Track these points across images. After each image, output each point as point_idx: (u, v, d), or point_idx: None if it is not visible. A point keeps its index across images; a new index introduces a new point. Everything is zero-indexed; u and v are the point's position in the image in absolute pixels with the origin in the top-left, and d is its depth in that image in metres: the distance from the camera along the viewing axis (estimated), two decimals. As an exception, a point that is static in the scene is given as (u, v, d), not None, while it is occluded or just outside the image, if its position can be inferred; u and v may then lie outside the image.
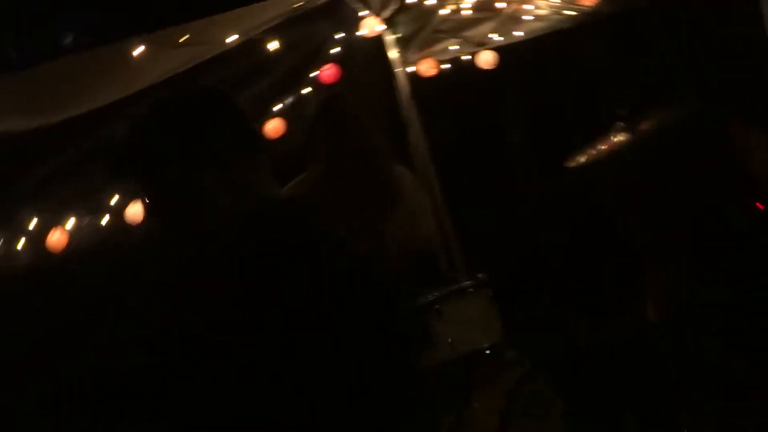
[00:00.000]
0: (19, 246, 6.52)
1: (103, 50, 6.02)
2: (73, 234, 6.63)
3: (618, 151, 5.71)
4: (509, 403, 5.59)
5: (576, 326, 5.07)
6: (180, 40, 6.01)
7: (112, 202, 6.81)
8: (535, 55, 8.35)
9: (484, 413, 5.76)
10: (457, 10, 7.27)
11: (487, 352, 5.76)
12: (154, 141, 3.16)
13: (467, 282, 5.79)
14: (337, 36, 7.34)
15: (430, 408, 5.79)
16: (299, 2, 6.58)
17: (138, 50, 5.81)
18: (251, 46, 6.56)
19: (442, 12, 7.20)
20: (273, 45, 6.64)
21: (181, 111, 3.22)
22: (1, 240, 6.52)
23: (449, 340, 5.60)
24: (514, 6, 7.58)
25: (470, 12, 7.43)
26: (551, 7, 7.85)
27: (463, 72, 8.12)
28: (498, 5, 7.54)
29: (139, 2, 6.84)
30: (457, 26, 7.72)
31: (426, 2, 7.06)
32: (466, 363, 5.80)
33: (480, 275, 5.75)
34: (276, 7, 6.48)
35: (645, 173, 5.64)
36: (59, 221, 6.69)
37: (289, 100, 7.39)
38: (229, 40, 6.37)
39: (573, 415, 5.44)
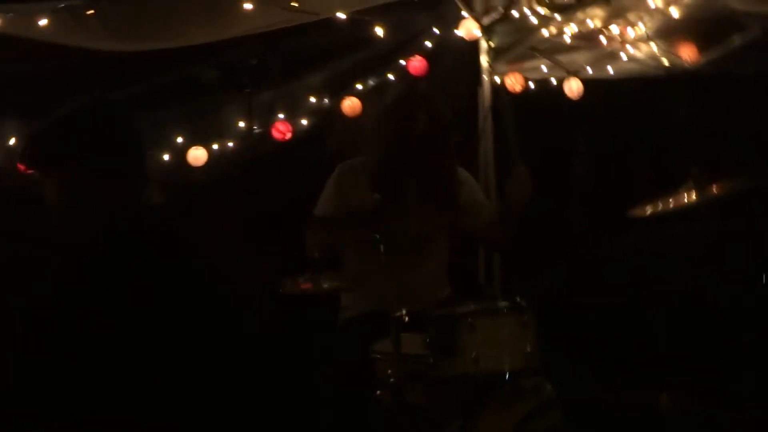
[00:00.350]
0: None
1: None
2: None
3: (685, 209, 5.62)
4: (517, 429, 5.46)
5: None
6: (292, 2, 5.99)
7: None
8: (621, 96, 8.23)
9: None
10: (558, 34, 7.21)
11: (507, 376, 5.64)
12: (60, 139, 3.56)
13: (504, 303, 5.65)
14: (434, 30, 7.32)
15: (436, 415, 5.79)
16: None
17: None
18: (352, 21, 6.53)
19: (543, 32, 7.11)
20: (371, 25, 6.58)
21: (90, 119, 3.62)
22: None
23: (474, 354, 5.46)
24: (614, 44, 7.52)
25: (570, 39, 7.36)
26: (649, 53, 7.75)
27: (547, 95, 8.08)
28: (600, 38, 7.47)
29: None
30: (553, 49, 7.70)
31: (530, 18, 6.96)
32: (485, 381, 5.68)
33: (518, 299, 5.61)
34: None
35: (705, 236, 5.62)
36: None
37: (371, 82, 7.40)
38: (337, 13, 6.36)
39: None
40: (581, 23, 6.76)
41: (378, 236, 5.33)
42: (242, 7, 5.84)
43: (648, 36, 7.27)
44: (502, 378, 5.65)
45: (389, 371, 5.55)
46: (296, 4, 6.02)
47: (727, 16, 6.28)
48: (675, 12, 6.16)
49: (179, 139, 7.00)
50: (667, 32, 7.18)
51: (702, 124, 8.43)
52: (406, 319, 5.39)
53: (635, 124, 8.69)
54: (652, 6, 6.20)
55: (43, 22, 5.80)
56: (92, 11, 5.78)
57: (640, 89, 8.24)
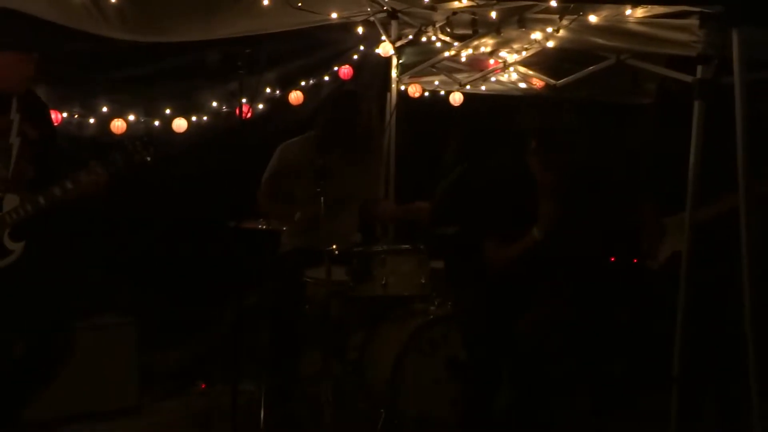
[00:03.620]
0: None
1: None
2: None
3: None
4: (409, 339, 5.66)
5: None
6: (299, 3, 6.14)
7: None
8: (486, 107, 8.49)
9: (388, 340, 5.83)
10: (453, 58, 7.35)
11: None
12: None
13: (406, 246, 5.89)
14: (360, 47, 7.48)
15: (350, 325, 5.98)
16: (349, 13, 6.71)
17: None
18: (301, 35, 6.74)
19: (443, 54, 7.24)
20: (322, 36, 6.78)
21: None
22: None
23: (383, 281, 5.69)
24: (495, 70, 7.78)
25: (462, 61, 7.54)
26: (511, 81, 8.08)
27: (437, 101, 8.30)
28: (486, 64, 7.70)
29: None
30: (448, 69, 7.86)
31: (434, 44, 7.12)
32: (390, 301, 5.91)
33: (418, 244, 5.86)
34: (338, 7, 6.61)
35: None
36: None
37: (312, 81, 7.53)
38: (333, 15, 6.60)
39: (455, 361, 5.62)
40: (475, 48, 6.83)
41: (319, 190, 5.55)
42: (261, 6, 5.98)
43: (520, 63, 7.52)
44: (402, 300, 5.94)
45: (318, 291, 5.79)
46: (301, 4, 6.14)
47: (590, 49, 6.39)
48: (551, 43, 6.20)
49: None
50: (536, 61, 7.46)
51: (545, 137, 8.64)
52: (336, 253, 5.64)
53: (494, 129, 8.88)
54: (533, 38, 6.25)
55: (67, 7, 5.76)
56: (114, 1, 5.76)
57: (502, 103, 8.50)
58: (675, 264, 5.41)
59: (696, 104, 5.23)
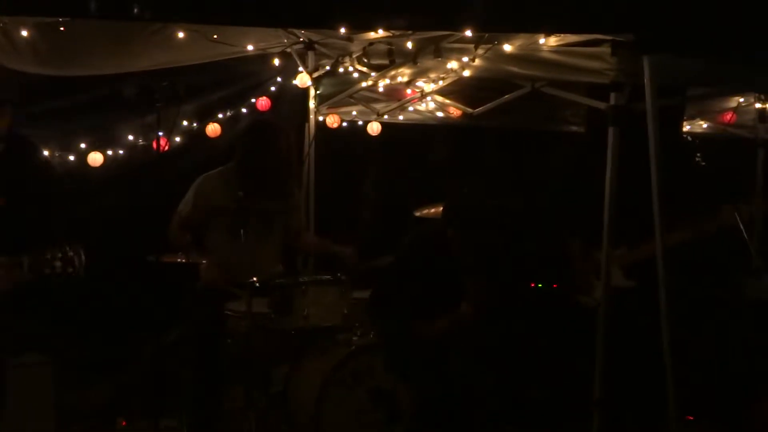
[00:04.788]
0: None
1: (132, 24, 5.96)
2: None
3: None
4: (332, 371, 5.62)
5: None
6: (214, 36, 6.13)
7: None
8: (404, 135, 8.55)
9: (311, 372, 5.79)
10: (371, 88, 7.36)
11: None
12: None
13: (328, 276, 5.86)
14: (278, 78, 7.45)
15: (273, 357, 5.91)
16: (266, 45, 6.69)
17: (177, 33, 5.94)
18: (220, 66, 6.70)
19: (360, 84, 7.24)
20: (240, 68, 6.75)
21: None
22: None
23: (305, 312, 5.65)
24: (412, 100, 7.81)
25: (379, 91, 7.56)
26: (429, 110, 8.12)
27: (355, 131, 8.32)
28: (403, 94, 7.72)
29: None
30: (366, 99, 7.86)
31: (352, 74, 7.12)
32: (312, 333, 5.85)
33: (339, 274, 5.82)
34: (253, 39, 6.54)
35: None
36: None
37: (229, 112, 7.48)
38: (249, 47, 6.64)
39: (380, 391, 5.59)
40: (392, 78, 6.81)
41: (239, 223, 5.51)
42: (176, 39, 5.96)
43: (437, 93, 7.56)
44: (324, 331, 5.89)
45: (239, 324, 5.72)
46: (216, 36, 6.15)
47: (505, 77, 6.38)
48: (467, 72, 6.21)
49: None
50: (453, 90, 7.51)
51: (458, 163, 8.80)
52: (257, 285, 5.58)
53: (411, 157, 8.97)
54: (450, 67, 6.25)
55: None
56: (26, 34, 5.71)
57: (420, 132, 8.57)
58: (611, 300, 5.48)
59: (610, 130, 5.31)
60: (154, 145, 6.05)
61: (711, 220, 5.66)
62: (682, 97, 6.57)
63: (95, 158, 6.98)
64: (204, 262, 6.02)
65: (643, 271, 5.53)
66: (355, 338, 5.91)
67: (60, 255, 4.51)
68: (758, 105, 7.82)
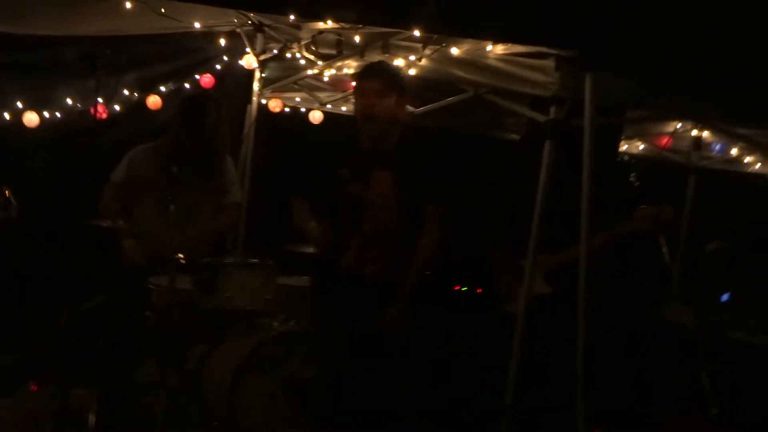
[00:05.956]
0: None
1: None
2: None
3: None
4: (250, 354, 5.60)
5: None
6: (162, 9, 6.06)
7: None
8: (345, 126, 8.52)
9: (228, 354, 5.76)
10: (316, 77, 7.36)
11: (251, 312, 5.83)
12: None
13: (255, 260, 5.84)
14: (224, 57, 7.42)
15: (192, 335, 5.88)
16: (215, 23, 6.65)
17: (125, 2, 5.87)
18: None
19: (306, 72, 7.23)
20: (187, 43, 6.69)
21: None
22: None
23: (228, 294, 5.64)
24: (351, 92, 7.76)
25: (325, 81, 7.56)
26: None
27: (297, 117, 8.31)
28: (348, 86, 7.68)
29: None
30: (310, 87, 7.86)
31: (298, 61, 7.10)
32: (233, 315, 5.84)
33: (266, 259, 5.80)
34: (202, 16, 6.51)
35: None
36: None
37: (171, 86, 7.43)
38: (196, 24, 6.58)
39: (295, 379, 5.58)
40: (339, 69, 6.82)
41: (170, 198, 5.48)
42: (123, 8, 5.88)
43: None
44: (245, 314, 5.87)
45: (161, 299, 5.69)
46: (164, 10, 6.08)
47: (450, 80, 6.40)
48: (413, 71, 6.22)
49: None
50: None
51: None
52: (183, 262, 5.54)
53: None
54: (396, 64, 6.17)
55: None
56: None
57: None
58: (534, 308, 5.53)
59: (546, 143, 5.37)
60: (92, 111, 5.99)
61: (626, 223, 5.73)
62: (620, 117, 6.65)
63: (31, 119, 6.89)
64: (128, 240, 5.92)
65: (562, 278, 5.59)
66: (275, 324, 5.91)
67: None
68: (694, 132, 7.94)
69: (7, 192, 4.46)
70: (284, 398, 5.53)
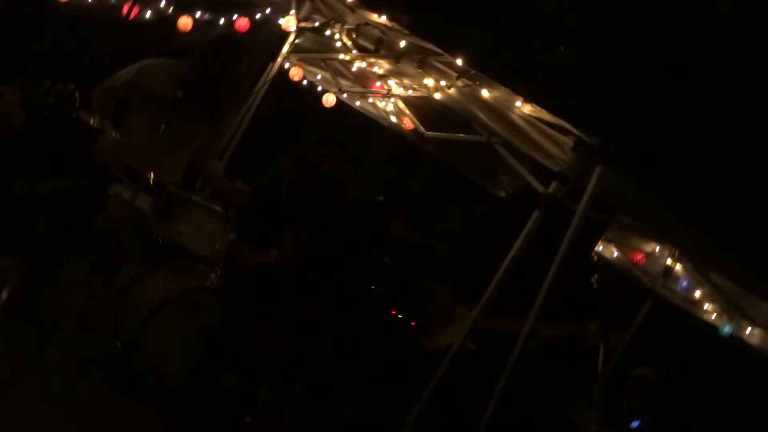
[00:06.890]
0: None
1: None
2: None
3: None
4: (177, 294, 5.58)
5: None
6: None
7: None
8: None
9: (158, 285, 5.73)
10: (346, 63, 7.35)
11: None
12: None
13: (218, 207, 5.81)
14: (266, 11, 7.37)
15: (131, 254, 5.82)
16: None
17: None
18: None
19: (338, 56, 7.20)
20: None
21: None
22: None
23: (181, 229, 5.61)
24: (376, 93, 7.85)
25: (352, 70, 7.55)
26: (386, 110, 8.23)
27: (311, 94, 8.29)
28: (372, 84, 7.67)
29: None
30: (335, 70, 7.83)
31: (335, 42, 7.08)
32: (178, 251, 5.79)
33: (229, 211, 5.76)
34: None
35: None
36: None
37: (207, 16, 7.35)
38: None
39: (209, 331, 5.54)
40: (369, 65, 6.83)
41: (164, 119, 5.42)
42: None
43: (402, 98, 7.60)
44: (189, 255, 5.83)
45: (115, 208, 5.63)
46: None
47: (469, 118, 6.26)
48: (438, 95, 6.18)
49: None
50: (417, 104, 7.55)
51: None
52: (152, 182, 5.47)
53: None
54: (425, 82, 6.26)
55: None
56: None
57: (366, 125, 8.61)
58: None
59: (535, 213, 5.40)
60: (125, 9, 5.93)
61: (578, 328, 5.79)
62: (611, 217, 6.68)
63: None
64: (105, 138, 5.83)
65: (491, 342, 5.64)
66: (213, 276, 5.88)
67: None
68: (669, 261, 7.96)
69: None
70: (194, 347, 5.48)
